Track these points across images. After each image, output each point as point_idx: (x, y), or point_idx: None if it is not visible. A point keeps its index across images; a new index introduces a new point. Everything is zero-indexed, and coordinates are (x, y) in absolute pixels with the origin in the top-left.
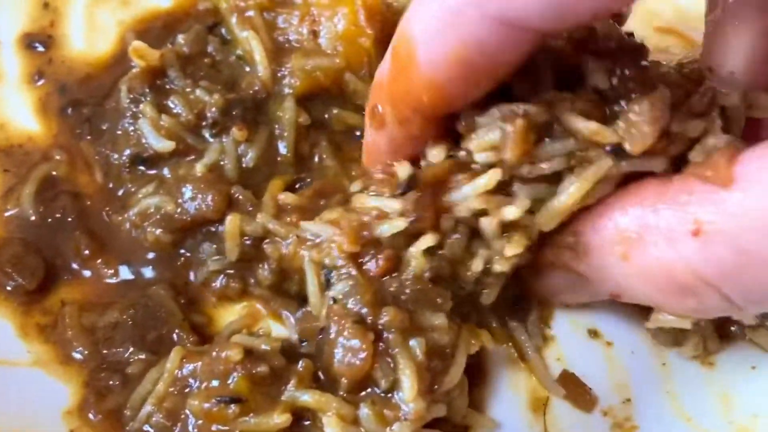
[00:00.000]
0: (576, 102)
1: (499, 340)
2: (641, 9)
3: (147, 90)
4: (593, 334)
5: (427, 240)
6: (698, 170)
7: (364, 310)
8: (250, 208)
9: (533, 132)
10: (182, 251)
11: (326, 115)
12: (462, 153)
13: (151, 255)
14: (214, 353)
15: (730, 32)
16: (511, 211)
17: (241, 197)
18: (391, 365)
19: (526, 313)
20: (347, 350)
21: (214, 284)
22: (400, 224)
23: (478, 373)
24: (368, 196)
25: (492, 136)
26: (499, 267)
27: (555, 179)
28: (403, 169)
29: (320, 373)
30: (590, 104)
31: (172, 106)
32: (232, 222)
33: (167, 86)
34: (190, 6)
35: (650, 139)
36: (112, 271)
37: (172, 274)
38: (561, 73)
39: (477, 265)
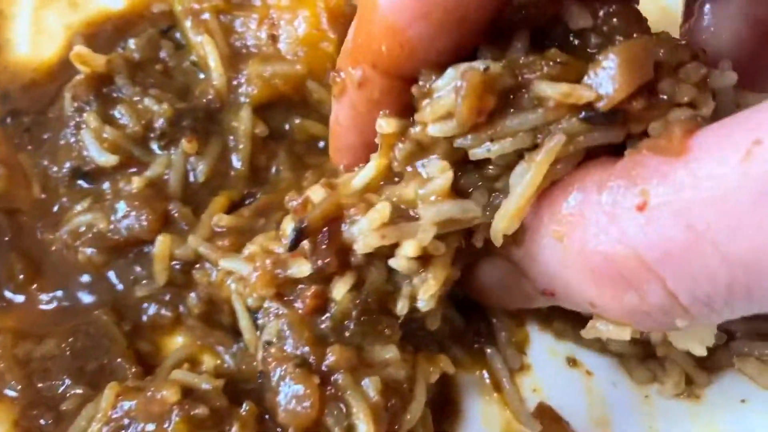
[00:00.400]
0: (547, 65)
1: (470, 367)
2: None
3: (92, 98)
4: (572, 362)
5: (343, 284)
6: (652, 143)
7: (305, 350)
8: (186, 228)
9: (493, 94)
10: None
11: (286, 125)
12: (416, 129)
13: (86, 278)
14: (149, 393)
15: (715, 23)
16: (410, 248)
17: (177, 215)
18: (344, 410)
19: (491, 334)
20: (291, 397)
21: (144, 311)
22: (304, 269)
23: (446, 404)
24: (275, 239)
25: (446, 100)
26: (425, 305)
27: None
28: (288, 224)
29: (267, 416)
30: (562, 67)
31: (118, 116)
32: (161, 244)
33: (114, 94)
34: (143, 8)
35: (625, 88)
36: (48, 297)
37: (113, 298)
38: (537, 35)
39: (402, 307)
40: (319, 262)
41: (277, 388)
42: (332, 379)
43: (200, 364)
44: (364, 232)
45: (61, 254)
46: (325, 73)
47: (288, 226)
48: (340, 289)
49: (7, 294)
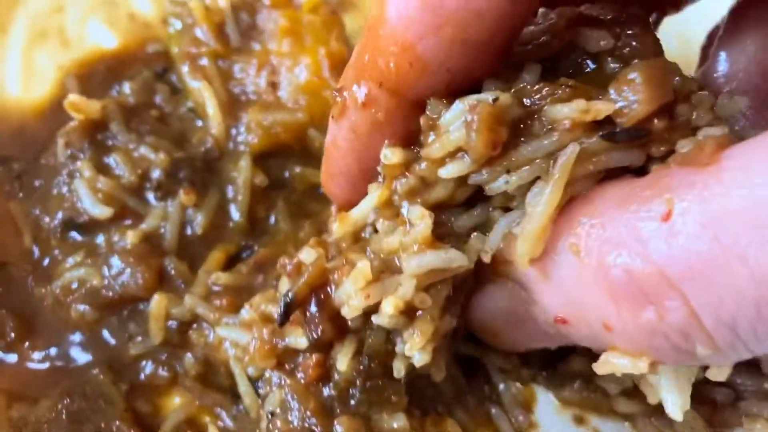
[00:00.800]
0: (558, 91)
1: (476, 430)
2: None
3: (86, 145)
4: (579, 420)
5: (345, 352)
6: (681, 156)
7: (312, 421)
8: (182, 285)
9: (505, 125)
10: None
11: (286, 174)
12: (422, 166)
13: (79, 335)
14: None
15: (729, 70)
16: (389, 306)
17: (173, 272)
18: None
19: (496, 394)
20: None
21: (142, 370)
22: (301, 342)
23: None
24: (273, 300)
25: (456, 135)
26: (419, 360)
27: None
28: (283, 286)
29: None
30: (573, 90)
31: (113, 164)
32: (157, 303)
33: (109, 141)
34: (137, 48)
35: (649, 102)
36: (40, 356)
37: (108, 356)
38: (547, 68)
39: (399, 368)
40: (314, 333)
41: None
42: None
43: (200, 425)
44: (349, 295)
45: (54, 310)
46: (326, 122)
47: (274, 305)
48: (342, 359)
49: None
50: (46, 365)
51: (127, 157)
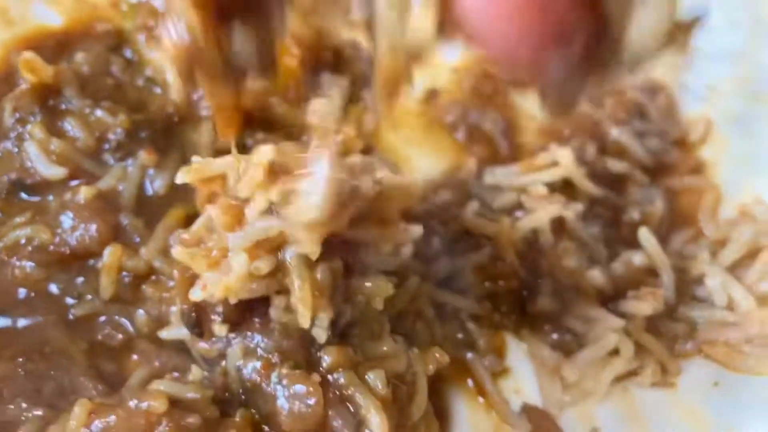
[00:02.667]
0: None
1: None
2: None
3: (37, 109)
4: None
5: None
6: None
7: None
8: (138, 240)
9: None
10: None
11: (249, 142)
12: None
13: (27, 294)
14: (131, 404)
15: None
16: (219, 293)
17: (129, 227)
18: (351, 408)
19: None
20: (293, 399)
21: (100, 330)
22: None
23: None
24: None
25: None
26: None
27: None
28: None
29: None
30: None
31: (68, 128)
32: (112, 254)
33: (62, 106)
34: (86, 26)
35: None
36: None
37: (60, 316)
38: None
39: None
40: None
41: (274, 392)
42: (332, 380)
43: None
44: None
45: None
46: (288, 89)
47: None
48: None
49: None
50: None
51: (82, 121)
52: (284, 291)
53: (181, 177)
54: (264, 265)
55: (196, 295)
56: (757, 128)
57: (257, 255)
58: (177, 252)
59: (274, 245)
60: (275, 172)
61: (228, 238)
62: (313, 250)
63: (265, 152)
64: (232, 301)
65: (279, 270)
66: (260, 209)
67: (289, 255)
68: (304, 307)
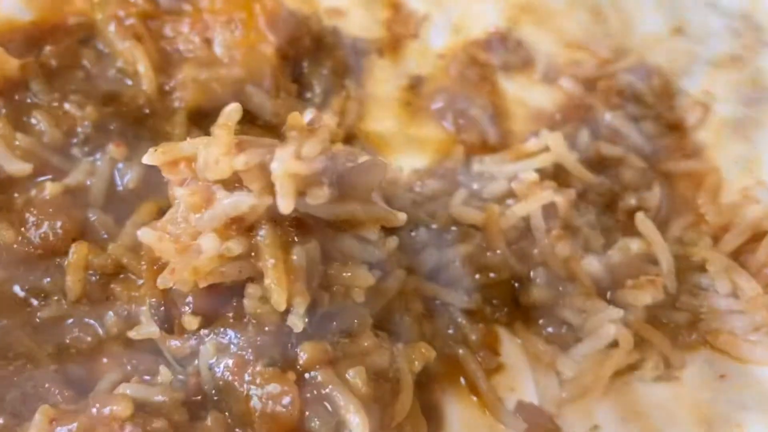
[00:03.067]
0: None
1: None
2: (551, 27)
3: (1, 104)
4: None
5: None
6: None
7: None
8: (106, 237)
9: None
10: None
11: None
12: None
13: None
14: (94, 409)
15: None
16: (189, 276)
17: (97, 223)
18: (329, 408)
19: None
20: (267, 399)
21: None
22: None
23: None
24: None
25: None
26: (278, 299)
27: None
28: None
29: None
30: None
31: (34, 122)
32: (77, 251)
33: (28, 100)
34: (57, 20)
35: None
36: None
37: (25, 318)
38: None
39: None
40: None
41: (247, 392)
42: (308, 377)
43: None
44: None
45: None
46: (264, 77)
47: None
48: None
49: None
50: None
51: (49, 115)
52: (258, 278)
53: (148, 158)
54: (235, 246)
55: (164, 282)
56: (756, 135)
57: (228, 236)
58: (143, 233)
59: (247, 225)
60: (242, 145)
61: (196, 220)
62: (287, 204)
63: (229, 112)
64: (203, 286)
65: (252, 252)
66: (224, 175)
67: (262, 234)
68: (278, 287)
